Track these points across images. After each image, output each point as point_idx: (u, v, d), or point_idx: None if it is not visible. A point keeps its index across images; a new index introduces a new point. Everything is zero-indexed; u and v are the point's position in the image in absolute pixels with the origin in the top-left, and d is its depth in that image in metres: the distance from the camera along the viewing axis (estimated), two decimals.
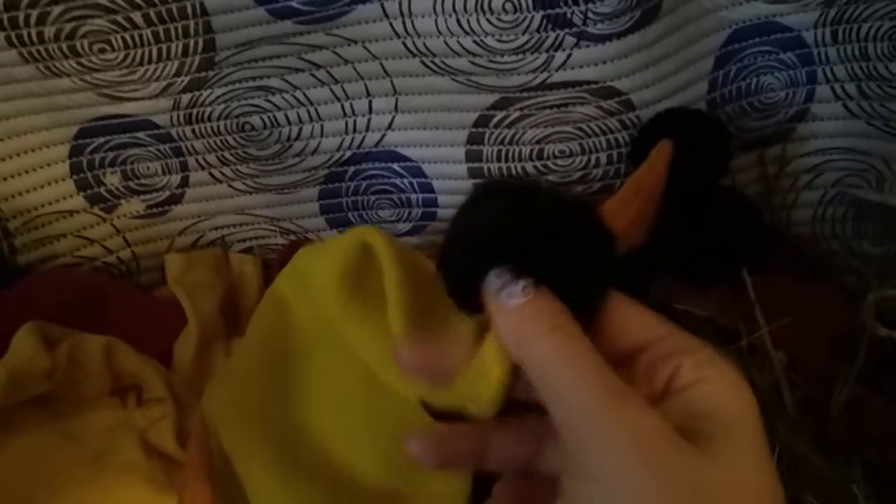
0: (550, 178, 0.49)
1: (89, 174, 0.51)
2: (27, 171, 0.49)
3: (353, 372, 0.36)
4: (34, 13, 0.42)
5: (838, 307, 0.43)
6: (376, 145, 0.50)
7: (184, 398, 0.45)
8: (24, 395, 0.38)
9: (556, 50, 0.43)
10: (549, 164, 0.48)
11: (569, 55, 0.43)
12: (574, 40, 0.43)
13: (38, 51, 0.44)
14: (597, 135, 0.47)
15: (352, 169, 0.51)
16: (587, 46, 0.43)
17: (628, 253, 0.39)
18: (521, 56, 0.44)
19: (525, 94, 0.45)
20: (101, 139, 0.49)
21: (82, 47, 0.44)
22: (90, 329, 0.45)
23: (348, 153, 0.51)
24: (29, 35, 0.43)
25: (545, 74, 0.44)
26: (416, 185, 0.51)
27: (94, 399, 0.42)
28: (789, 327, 0.39)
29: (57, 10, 0.42)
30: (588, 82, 0.45)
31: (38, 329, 0.41)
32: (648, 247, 0.37)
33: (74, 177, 0.50)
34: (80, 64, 0.45)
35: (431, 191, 0.51)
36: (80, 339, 0.43)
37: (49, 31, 0.43)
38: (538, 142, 0.47)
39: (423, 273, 0.36)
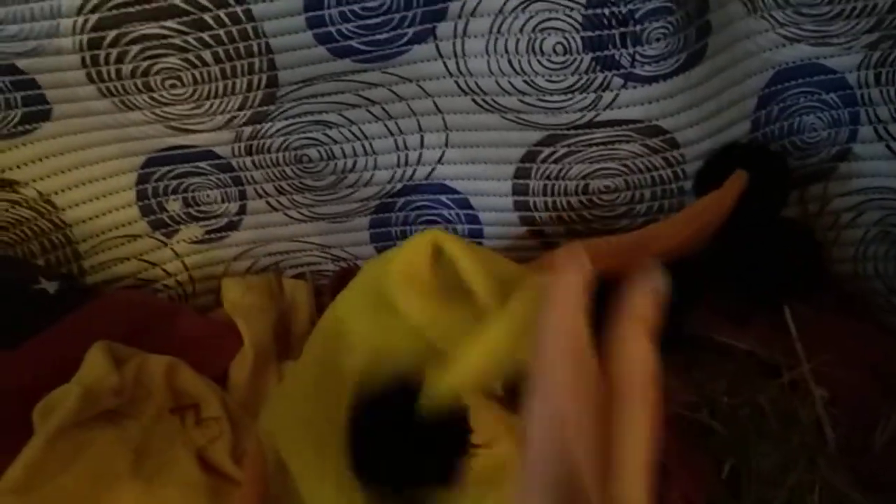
0: (595, 212, 0.50)
1: (153, 201, 0.53)
2: (97, 198, 0.52)
3: None
4: (114, 52, 0.45)
5: (880, 345, 0.44)
6: (426, 178, 0.52)
7: (238, 418, 0.47)
8: (96, 409, 0.40)
9: (604, 90, 0.45)
10: (594, 198, 0.50)
11: (616, 95, 0.45)
12: (622, 81, 0.45)
13: (115, 86, 0.47)
14: (641, 171, 0.48)
15: (402, 200, 0.53)
16: (634, 87, 0.45)
17: (680, 267, 0.41)
18: (569, 95, 0.46)
19: (572, 132, 0.47)
20: (166, 168, 0.52)
21: (155, 83, 0.47)
22: (153, 349, 0.47)
23: (399, 185, 0.53)
24: (108, 72, 0.46)
25: (593, 113, 0.46)
26: (462, 216, 0.53)
27: (156, 416, 0.45)
28: (831, 363, 0.40)
29: (135, 49, 0.45)
30: (634, 121, 0.46)
31: (108, 348, 0.44)
32: (701, 268, 0.38)
33: (139, 203, 0.53)
34: (152, 98, 0.47)
35: (477, 222, 0.53)
36: (144, 359, 0.45)
37: (126, 68, 0.46)
38: (584, 177, 0.49)
39: (498, 267, 0.39)
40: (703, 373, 0.42)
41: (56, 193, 0.51)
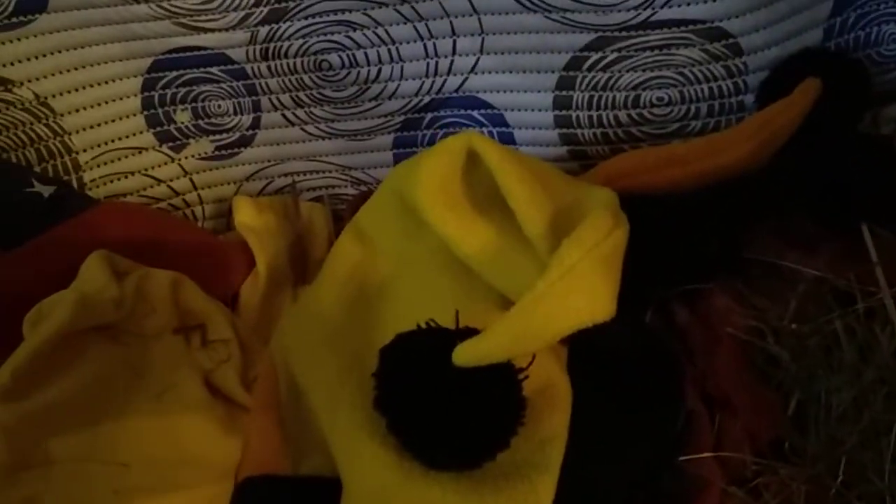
0: (645, 128, 0.45)
1: (160, 110, 0.49)
2: (99, 104, 0.48)
3: (440, 294, 0.33)
4: None
5: None
6: (457, 90, 0.48)
7: (248, 342, 0.43)
8: (93, 321, 0.37)
9: None
10: (645, 112, 0.45)
11: None
12: None
13: None
14: (699, 82, 0.43)
15: (429, 116, 0.49)
16: None
17: (744, 183, 0.36)
18: None
19: (624, 34, 0.42)
20: (174, 73, 0.48)
21: None
22: (156, 265, 0.43)
23: (427, 98, 0.48)
24: None
25: (649, 12, 0.41)
26: (496, 135, 0.49)
27: (159, 335, 0.41)
28: None
29: None
30: (695, 21, 0.41)
31: (108, 257, 0.40)
32: (767, 184, 0.34)
33: (145, 112, 0.49)
34: None
35: (513, 142, 0.48)
36: (147, 273, 0.41)
37: None
38: (634, 87, 0.44)
39: (538, 171, 0.34)
40: (767, 299, 0.37)
41: (54, 96, 0.47)
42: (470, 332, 0.28)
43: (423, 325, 0.29)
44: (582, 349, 0.33)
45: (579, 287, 0.28)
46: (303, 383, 0.35)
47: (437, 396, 0.28)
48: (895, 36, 0.44)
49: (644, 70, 0.43)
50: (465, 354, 0.27)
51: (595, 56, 0.44)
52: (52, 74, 0.46)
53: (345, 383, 0.32)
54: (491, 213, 0.34)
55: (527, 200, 0.32)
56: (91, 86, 0.47)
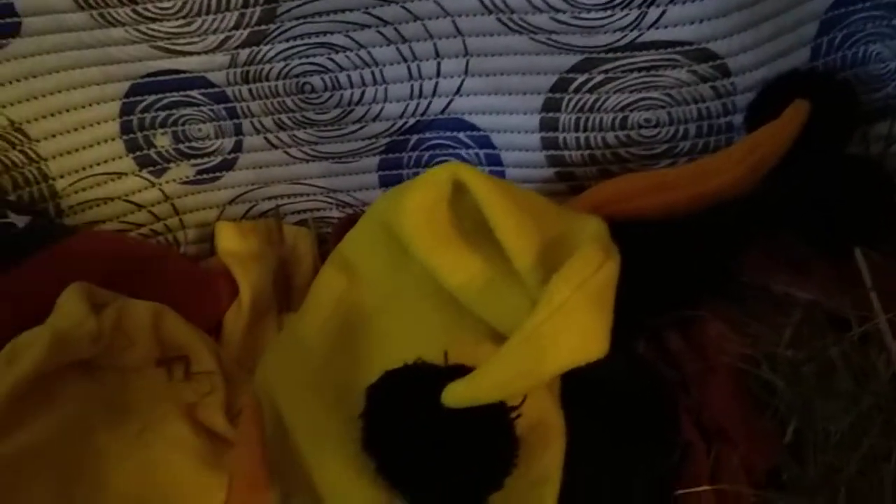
0: (633, 150, 0.45)
1: (139, 135, 0.48)
2: (76, 129, 0.47)
3: (428, 327, 0.33)
4: None
5: None
6: (442, 112, 0.47)
7: (232, 373, 0.42)
8: (69, 357, 0.36)
9: (649, 6, 0.40)
10: (632, 134, 0.44)
11: (663, 12, 0.40)
12: None
13: None
14: (687, 103, 0.43)
15: (414, 138, 0.48)
16: (683, 3, 0.40)
17: (733, 207, 0.36)
18: (609, 12, 0.40)
19: (611, 56, 0.42)
20: (153, 97, 0.47)
21: None
22: (137, 296, 0.42)
23: (412, 120, 0.47)
24: None
25: (635, 33, 0.41)
26: (482, 157, 0.48)
27: (139, 369, 0.40)
28: None
29: None
30: (682, 43, 0.41)
31: (85, 290, 0.39)
32: (757, 208, 0.33)
33: (124, 137, 0.48)
34: (135, 12, 0.42)
35: (499, 163, 0.48)
36: (127, 304, 0.40)
37: None
38: (622, 109, 0.44)
39: (526, 202, 0.33)
40: (761, 325, 0.37)
41: (29, 122, 0.45)
42: (459, 370, 0.28)
43: (411, 363, 0.29)
44: (575, 381, 0.32)
45: (570, 326, 0.27)
46: (288, 420, 0.34)
47: (427, 437, 0.27)
48: (882, 55, 0.43)
49: (631, 91, 0.43)
50: (456, 396, 0.27)
51: (582, 78, 0.43)
52: (27, 100, 0.45)
53: (331, 421, 0.31)
54: (479, 244, 0.33)
55: (514, 233, 0.31)
56: (67, 111, 0.46)
